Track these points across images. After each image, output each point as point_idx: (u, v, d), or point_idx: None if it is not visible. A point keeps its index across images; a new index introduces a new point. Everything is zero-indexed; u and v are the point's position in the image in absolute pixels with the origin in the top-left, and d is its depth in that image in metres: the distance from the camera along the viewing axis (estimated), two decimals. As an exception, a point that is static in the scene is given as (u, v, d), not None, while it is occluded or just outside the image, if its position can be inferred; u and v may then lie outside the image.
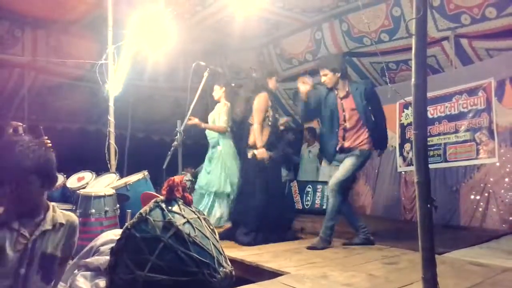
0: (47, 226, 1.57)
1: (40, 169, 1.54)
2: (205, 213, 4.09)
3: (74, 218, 1.70)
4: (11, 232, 1.47)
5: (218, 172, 4.39)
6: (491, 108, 4.20)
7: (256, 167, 3.60)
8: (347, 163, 3.32)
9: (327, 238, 3.27)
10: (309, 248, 3.22)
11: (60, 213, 1.65)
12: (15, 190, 1.49)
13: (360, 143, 3.34)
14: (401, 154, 5.09)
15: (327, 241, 3.26)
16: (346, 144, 3.36)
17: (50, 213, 1.61)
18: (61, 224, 1.62)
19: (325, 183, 4.87)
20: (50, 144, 2.55)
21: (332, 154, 3.47)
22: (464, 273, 2.41)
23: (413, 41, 1.58)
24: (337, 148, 3.40)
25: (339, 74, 3.34)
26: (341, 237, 3.58)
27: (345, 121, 3.37)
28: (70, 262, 2.01)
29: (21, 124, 2.25)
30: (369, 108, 3.38)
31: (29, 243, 1.50)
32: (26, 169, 1.50)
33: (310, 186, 5.94)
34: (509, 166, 4.02)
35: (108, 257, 1.91)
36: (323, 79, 3.39)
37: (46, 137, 2.51)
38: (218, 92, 4.56)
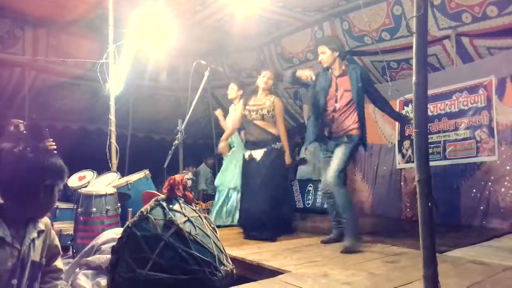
0: (34, 234, 1.58)
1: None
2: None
3: (47, 220, 1.72)
4: (4, 246, 1.46)
5: (232, 168, 4.50)
6: (491, 106, 4.18)
7: (257, 167, 3.77)
8: (339, 153, 3.21)
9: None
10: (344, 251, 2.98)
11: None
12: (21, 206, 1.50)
13: (348, 127, 3.26)
14: (400, 151, 5.07)
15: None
16: (334, 126, 3.29)
17: (31, 221, 1.61)
18: (42, 231, 1.64)
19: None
20: (55, 146, 2.54)
21: (317, 135, 3.34)
22: (465, 271, 2.41)
23: (414, 39, 1.57)
24: (326, 133, 3.32)
25: (337, 53, 3.30)
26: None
27: (336, 101, 3.30)
28: (71, 260, 2.01)
29: (22, 121, 2.24)
30: (364, 93, 3.28)
31: (21, 255, 1.50)
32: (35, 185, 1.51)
33: (311, 185, 5.94)
34: (509, 164, 4.01)
35: (109, 256, 1.92)
36: (320, 57, 3.34)
37: (51, 139, 2.51)
38: (235, 92, 4.45)
